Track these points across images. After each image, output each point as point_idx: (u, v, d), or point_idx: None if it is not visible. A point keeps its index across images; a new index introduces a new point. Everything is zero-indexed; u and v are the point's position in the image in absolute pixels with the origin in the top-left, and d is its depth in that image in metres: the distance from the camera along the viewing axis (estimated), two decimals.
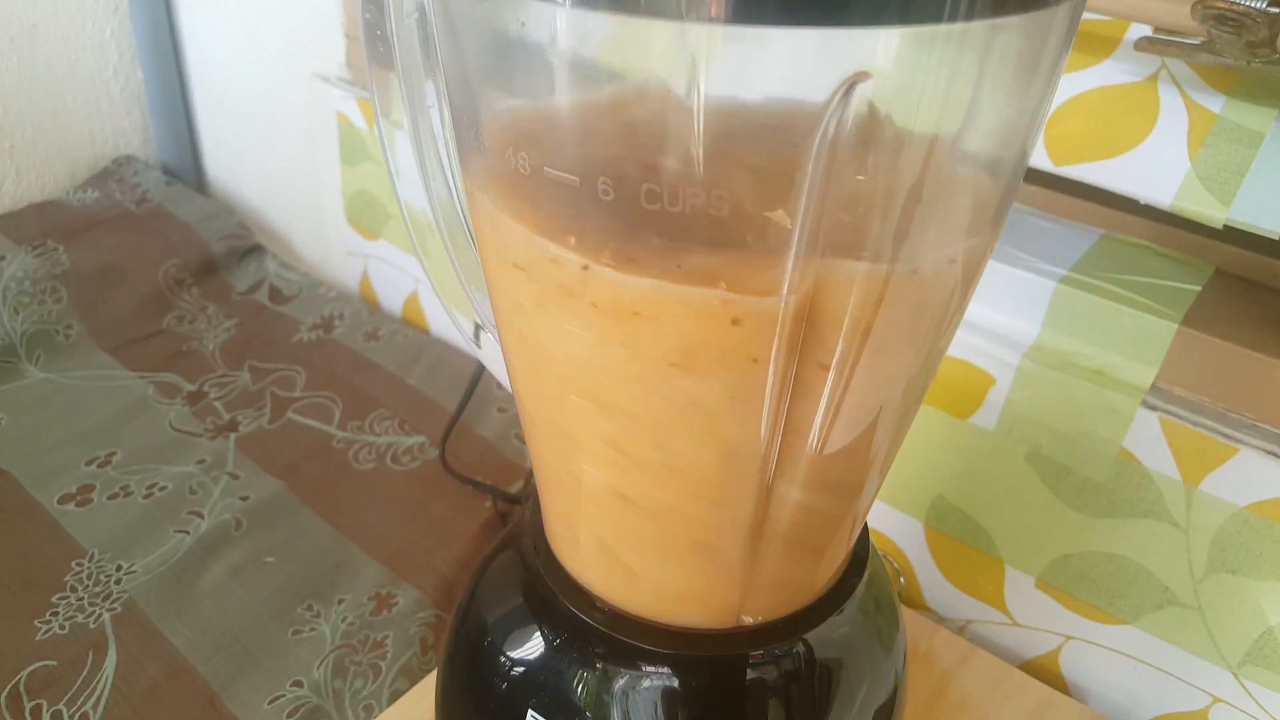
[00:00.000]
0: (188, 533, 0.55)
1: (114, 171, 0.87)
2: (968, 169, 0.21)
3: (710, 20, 0.17)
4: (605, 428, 0.25)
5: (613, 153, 0.20)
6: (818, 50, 0.18)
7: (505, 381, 0.33)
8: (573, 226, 0.21)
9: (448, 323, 0.75)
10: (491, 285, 0.27)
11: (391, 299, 0.78)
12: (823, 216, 0.19)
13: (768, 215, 0.19)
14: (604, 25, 0.19)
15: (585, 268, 0.20)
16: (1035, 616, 0.50)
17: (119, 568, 0.52)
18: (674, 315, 0.20)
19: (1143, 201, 0.43)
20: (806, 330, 0.21)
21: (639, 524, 0.28)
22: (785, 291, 0.20)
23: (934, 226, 0.21)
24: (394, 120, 0.32)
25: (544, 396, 0.27)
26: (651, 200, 0.19)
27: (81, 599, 0.50)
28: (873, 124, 0.19)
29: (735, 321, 0.20)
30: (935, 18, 0.18)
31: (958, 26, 0.18)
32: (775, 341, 0.21)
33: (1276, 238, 0.40)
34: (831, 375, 0.22)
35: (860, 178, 0.19)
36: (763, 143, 0.19)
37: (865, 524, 0.34)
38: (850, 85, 0.18)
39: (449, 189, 0.33)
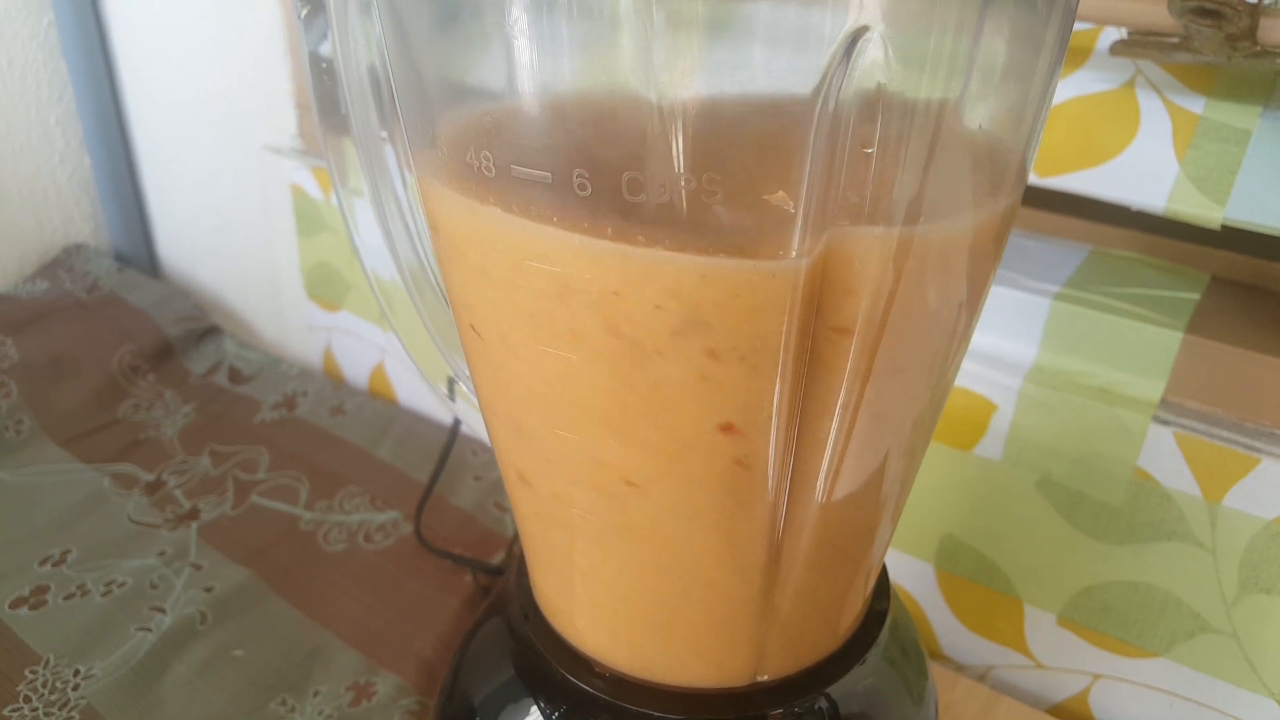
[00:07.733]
0: (150, 630, 0.51)
1: (64, 261, 0.84)
2: (980, 128, 0.19)
3: None
4: (595, 458, 0.22)
5: (586, 141, 0.18)
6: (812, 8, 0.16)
7: (483, 435, 0.31)
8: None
9: (416, 392, 0.72)
10: (464, 326, 0.25)
11: (356, 372, 0.76)
12: (828, 194, 0.17)
13: (767, 199, 0.17)
14: None
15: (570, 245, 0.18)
16: (1060, 656, 0.47)
17: (76, 672, 0.48)
18: (671, 290, 0.18)
19: (1135, 208, 0.41)
20: (817, 321, 0.18)
21: (639, 576, 0.25)
22: (795, 255, 0.17)
23: (948, 191, 0.19)
24: (352, 188, 0.30)
25: (528, 440, 0.24)
26: (635, 191, 0.17)
27: (36, 709, 0.46)
28: (877, 92, 0.17)
29: (743, 293, 0.17)
30: None
31: None
32: (785, 323, 0.18)
33: (1277, 234, 0.39)
34: (847, 375, 0.20)
35: (868, 150, 0.17)
36: (757, 118, 0.17)
37: (884, 565, 0.31)
38: (851, 41, 0.16)
39: (414, 250, 0.31)
